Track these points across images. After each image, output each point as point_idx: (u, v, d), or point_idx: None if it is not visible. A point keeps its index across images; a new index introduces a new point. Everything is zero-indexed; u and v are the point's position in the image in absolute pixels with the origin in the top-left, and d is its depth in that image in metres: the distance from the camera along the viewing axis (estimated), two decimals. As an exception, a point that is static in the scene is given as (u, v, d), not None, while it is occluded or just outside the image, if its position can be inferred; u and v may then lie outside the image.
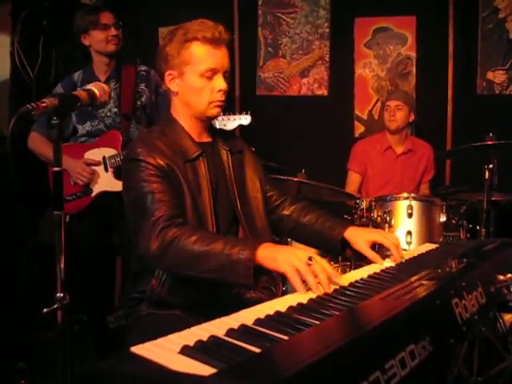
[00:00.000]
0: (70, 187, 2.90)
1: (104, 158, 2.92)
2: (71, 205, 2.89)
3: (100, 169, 2.93)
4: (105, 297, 3.21)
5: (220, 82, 1.80)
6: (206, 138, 1.94)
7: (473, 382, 1.78)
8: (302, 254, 1.45)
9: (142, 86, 3.04)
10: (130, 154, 1.78)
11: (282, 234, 2.23)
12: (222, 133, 2.01)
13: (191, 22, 1.84)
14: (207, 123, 1.93)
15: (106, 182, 2.92)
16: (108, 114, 2.97)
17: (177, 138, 1.84)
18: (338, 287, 1.40)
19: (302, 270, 1.40)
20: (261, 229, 1.95)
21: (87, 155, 2.94)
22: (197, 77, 1.78)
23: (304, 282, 1.40)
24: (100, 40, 2.93)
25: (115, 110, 2.98)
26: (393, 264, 1.78)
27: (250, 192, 1.96)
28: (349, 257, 2.21)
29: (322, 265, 1.42)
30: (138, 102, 3.02)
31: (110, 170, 2.91)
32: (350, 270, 2.65)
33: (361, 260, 2.78)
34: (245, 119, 3.28)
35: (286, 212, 2.07)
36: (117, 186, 2.89)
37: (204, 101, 1.81)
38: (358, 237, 1.90)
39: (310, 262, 1.42)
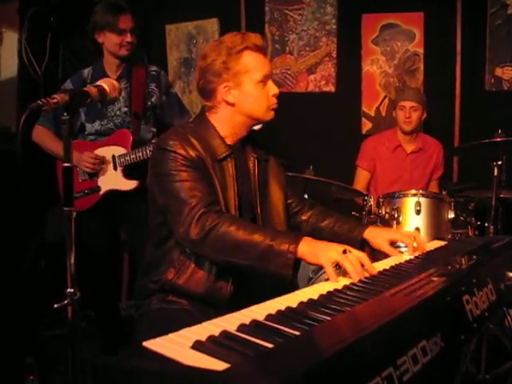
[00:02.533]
0: (79, 184, 2.91)
1: (113, 156, 2.93)
2: (79, 202, 2.90)
3: (109, 167, 2.94)
4: (112, 293, 3.22)
5: (273, 87, 1.89)
6: (238, 144, 1.97)
7: (480, 379, 1.78)
8: (338, 247, 1.58)
9: (153, 86, 3.04)
10: (162, 144, 1.81)
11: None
12: (251, 141, 2.04)
13: (227, 35, 1.88)
14: (248, 131, 1.96)
15: (115, 181, 2.93)
16: (118, 113, 2.97)
17: (208, 136, 1.88)
18: (348, 283, 1.41)
19: (341, 260, 1.53)
20: None
21: (97, 152, 2.94)
22: (254, 85, 1.85)
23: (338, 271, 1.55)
24: (114, 43, 2.92)
25: (125, 109, 2.97)
26: (409, 256, 1.82)
27: (272, 199, 2.02)
28: (368, 255, 2.28)
29: (356, 255, 1.56)
30: (148, 102, 3.02)
31: (119, 168, 2.91)
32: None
33: (370, 257, 2.79)
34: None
35: (304, 217, 2.16)
36: (125, 185, 2.91)
37: (263, 107, 1.88)
38: (377, 236, 1.99)
39: (346, 254, 1.55)
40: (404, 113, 3.52)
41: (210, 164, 1.82)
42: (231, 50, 1.82)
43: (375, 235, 2.00)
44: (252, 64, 1.83)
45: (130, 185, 2.90)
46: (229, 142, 1.91)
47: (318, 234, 2.11)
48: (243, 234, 1.64)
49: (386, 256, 1.89)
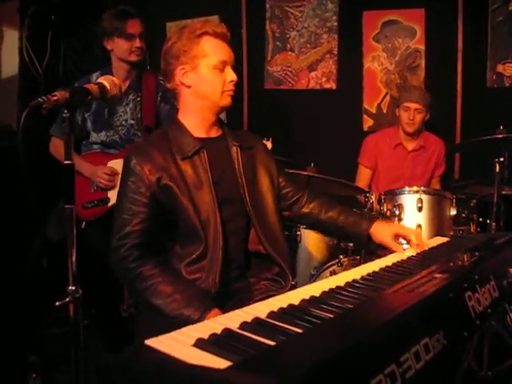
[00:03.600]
0: (90, 194, 2.89)
1: None
2: (89, 212, 2.88)
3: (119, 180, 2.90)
4: (114, 293, 3.21)
5: (231, 74, 1.90)
6: (215, 133, 1.98)
7: (482, 376, 1.77)
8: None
9: (159, 96, 3.00)
10: (126, 162, 1.86)
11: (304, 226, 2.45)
12: (233, 129, 2.04)
13: (194, 21, 1.98)
14: (216, 117, 1.97)
15: None
16: (124, 123, 2.94)
17: (178, 135, 1.90)
18: (350, 280, 1.40)
19: None
20: (272, 224, 2.00)
21: (110, 164, 2.91)
22: (210, 69, 1.87)
23: None
24: (124, 49, 2.89)
25: (132, 121, 2.94)
26: (413, 253, 1.83)
27: (261, 187, 2.01)
28: (372, 248, 2.31)
29: None
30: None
31: None
32: (359, 264, 2.65)
33: (372, 253, 2.79)
34: None
35: (306, 210, 2.13)
36: None
37: (218, 91, 1.89)
38: (381, 230, 2.00)
39: None
40: (408, 114, 3.50)
41: (175, 169, 1.83)
42: (191, 34, 1.86)
43: (379, 230, 2.01)
44: (209, 49, 1.87)
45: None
46: (200, 134, 1.92)
47: (322, 227, 2.14)
48: (158, 298, 1.71)
49: (388, 251, 1.89)
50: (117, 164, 2.90)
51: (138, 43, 2.89)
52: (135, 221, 1.79)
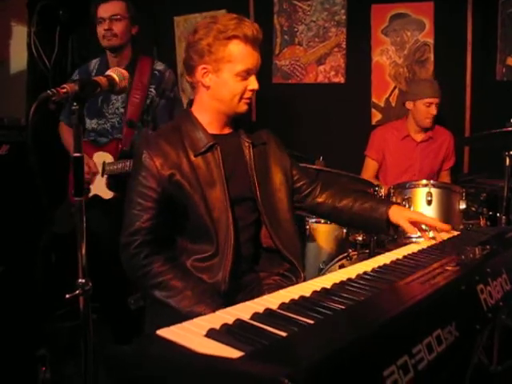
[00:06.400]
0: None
1: (104, 163, 2.88)
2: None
3: (99, 173, 2.89)
4: (121, 286, 3.21)
5: (254, 83, 1.84)
6: (228, 130, 1.95)
7: (492, 370, 1.76)
8: None
9: (152, 88, 2.91)
10: (137, 153, 1.84)
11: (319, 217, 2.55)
12: (247, 125, 2.01)
13: (225, 15, 1.84)
14: (231, 117, 1.93)
15: (100, 188, 2.87)
16: (116, 111, 2.91)
17: (191, 130, 1.86)
18: (361, 272, 1.40)
19: None
20: (285, 221, 1.97)
21: (95, 156, 2.90)
22: (233, 75, 1.80)
23: None
24: (99, 35, 2.84)
25: (122, 110, 2.89)
26: (421, 246, 1.82)
27: (274, 184, 1.98)
28: (391, 234, 2.28)
29: None
30: (145, 106, 2.89)
31: (105, 176, 2.85)
32: (368, 258, 2.64)
33: (381, 247, 2.78)
34: None
35: (320, 199, 2.10)
36: (105, 193, 2.84)
37: (236, 98, 1.83)
38: (398, 212, 1.97)
39: None
40: (430, 110, 3.51)
41: (188, 164, 1.80)
42: (220, 33, 1.76)
43: (397, 211, 1.97)
44: (236, 55, 1.78)
45: (109, 194, 2.83)
46: (213, 130, 1.89)
47: (338, 216, 2.09)
48: (162, 292, 1.72)
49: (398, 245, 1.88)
50: (101, 157, 2.90)
51: (105, 25, 2.80)
52: (145, 217, 1.77)
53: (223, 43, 1.76)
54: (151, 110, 2.93)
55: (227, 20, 1.78)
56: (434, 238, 1.93)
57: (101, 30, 2.83)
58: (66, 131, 2.98)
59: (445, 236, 1.96)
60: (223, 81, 1.81)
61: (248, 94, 1.85)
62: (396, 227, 1.99)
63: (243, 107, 1.87)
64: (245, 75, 1.80)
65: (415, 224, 1.93)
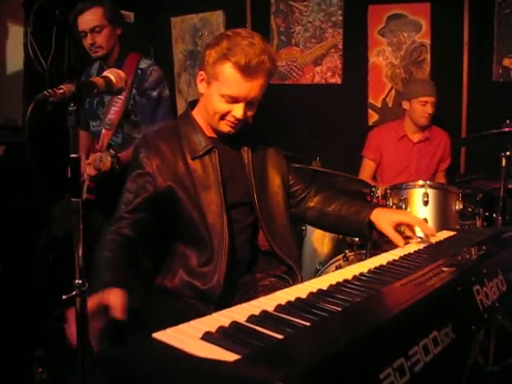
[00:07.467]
0: None
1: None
2: None
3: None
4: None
5: (238, 111, 1.76)
6: (225, 134, 1.92)
7: (489, 371, 1.77)
8: None
9: (133, 87, 2.83)
10: (135, 153, 1.84)
11: (307, 223, 2.41)
12: (246, 129, 1.97)
13: (241, 32, 1.75)
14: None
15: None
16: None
17: (189, 132, 1.87)
18: (357, 274, 1.40)
19: None
20: (281, 226, 1.97)
21: (90, 157, 2.79)
22: (218, 95, 1.76)
23: None
24: (86, 47, 2.81)
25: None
26: (417, 246, 1.81)
27: (271, 188, 1.98)
28: (375, 239, 2.25)
29: None
30: (129, 106, 2.84)
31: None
32: (365, 259, 2.64)
33: (377, 248, 2.78)
34: None
35: (310, 203, 2.09)
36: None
37: (217, 116, 1.80)
38: (383, 218, 1.92)
39: None
40: (426, 108, 3.53)
41: (185, 166, 1.80)
42: (221, 50, 1.71)
43: (381, 217, 1.92)
44: (225, 78, 1.72)
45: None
46: (212, 133, 1.89)
47: (326, 220, 2.07)
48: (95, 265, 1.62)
49: (394, 245, 1.88)
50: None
51: (88, 40, 2.77)
52: (129, 209, 1.76)
53: (220, 61, 1.72)
54: (133, 109, 2.87)
55: (238, 39, 1.72)
56: (422, 240, 1.92)
57: (86, 43, 2.80)
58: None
59: (433, 239, 1.94)
60: (210, 94, 1.79)
61: (231, 118, 1.78)
62: (380, 232, 1.95)
63: (224, 128, 1.82)
64: (229, 100, 1.75)
65: (400, 224, 1.92)
